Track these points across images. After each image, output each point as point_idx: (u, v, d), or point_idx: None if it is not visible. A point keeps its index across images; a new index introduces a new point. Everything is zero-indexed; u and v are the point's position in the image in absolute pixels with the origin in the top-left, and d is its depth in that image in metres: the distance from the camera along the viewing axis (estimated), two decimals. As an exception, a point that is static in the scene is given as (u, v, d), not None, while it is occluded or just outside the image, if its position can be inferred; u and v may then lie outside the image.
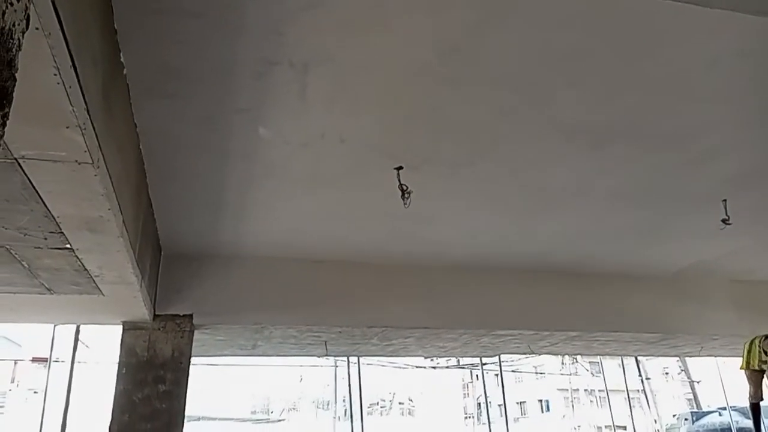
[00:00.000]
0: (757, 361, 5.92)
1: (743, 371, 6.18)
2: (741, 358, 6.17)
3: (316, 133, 3.90)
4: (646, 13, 2.93)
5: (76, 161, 2.50)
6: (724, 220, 5.25)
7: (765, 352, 5.91)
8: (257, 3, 2.73)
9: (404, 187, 4.37)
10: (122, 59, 2.99)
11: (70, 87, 2.05)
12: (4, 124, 1.27)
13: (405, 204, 4.41)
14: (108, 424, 5.30)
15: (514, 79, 3.43)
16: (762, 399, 6.12)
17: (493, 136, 4.07)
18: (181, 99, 3.41)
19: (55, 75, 1.95)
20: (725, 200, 5.21)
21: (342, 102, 3.58)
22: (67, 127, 2.25)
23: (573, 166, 4.59)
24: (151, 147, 3.89)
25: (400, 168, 4.38)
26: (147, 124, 3.63)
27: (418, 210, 4.73)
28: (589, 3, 2.84)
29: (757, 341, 6.03)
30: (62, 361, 9.89)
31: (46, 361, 10.07)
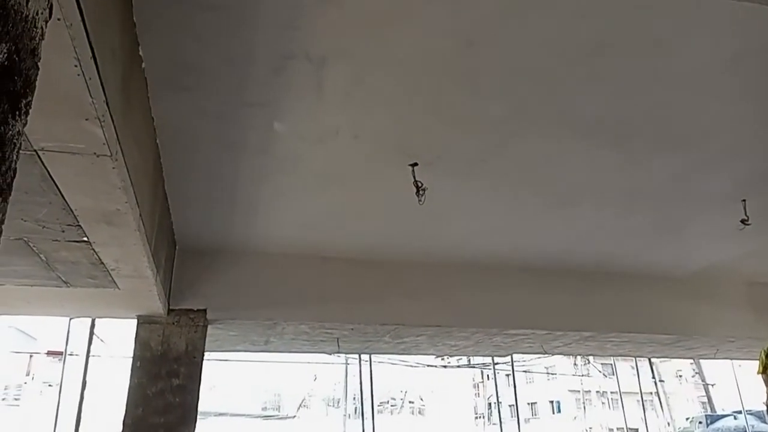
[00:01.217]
0: None
1: (760, 375, 6.09)
2: (758, 362, 6.08)
3: (331, 128, 3.90)
4: (666, 7, 2.89)
5: (95, 153, 2.51)
6: (743, 221, 5.17)
7: None
8: (274, -4, 2.73)
9: (419, 184, 4.35)
10: (141, 53, 3.00)
11: (90, 79, 2.06)
12: (27, 113, 1.27)
13: (420, 201, 4.39)
14: (122, 417, 5.34)
15: (532, 73, 3.40)
16: (779, 403, 6.02)
17: (509, 131, 4.04)
18: (197, 92, 3.42)
19: (76, 66, 1.95)
20: (744, 200, 5.14)
21: (358, 97, 3.57)
22: (87, 119, 2.26)
23: (590, 164, 4.55)
24: (168, 140, 3.91)
25: (415, 165, 4.36)
26: (164, 118, 3.64)
27: (432, 207, 4.70)
28: (609, -3, 2.80)
29: None
30: (77, 355, 10.00)
31: (61, 354, 10.18)
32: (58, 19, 1.72)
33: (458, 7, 2.86)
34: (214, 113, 3.64)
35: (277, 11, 2.82)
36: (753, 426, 12.93)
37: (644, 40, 3.13)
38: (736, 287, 7.35)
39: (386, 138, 4.07)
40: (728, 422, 14.34)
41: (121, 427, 5.32)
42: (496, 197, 5.09)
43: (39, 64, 1.32)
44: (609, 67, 3.37)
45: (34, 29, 1.27)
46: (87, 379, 7.20)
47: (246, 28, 2.93)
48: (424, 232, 5.83)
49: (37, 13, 1.29)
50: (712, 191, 5.07)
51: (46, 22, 1.37)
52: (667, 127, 4.05)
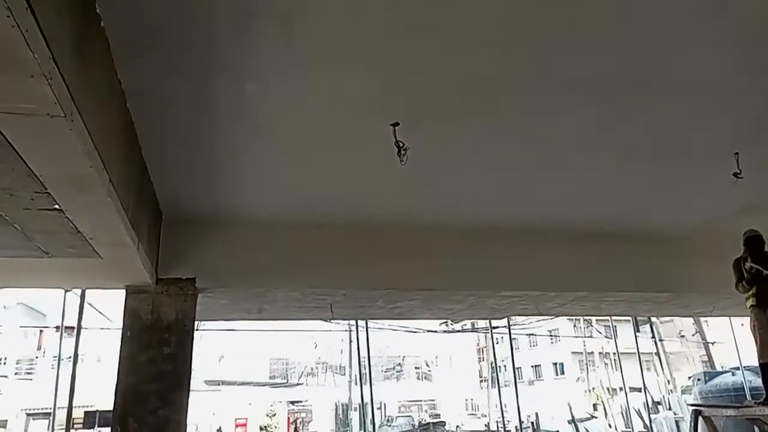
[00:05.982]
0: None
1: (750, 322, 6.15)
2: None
3: (303, 90, 3.78)
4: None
5: (48, 114, 2.42)
6: (735, 174, 5.06)
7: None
8: (232, -54, 2.60)
9: (400, 144, 4.25)
10: (98, 10, 2.89)
11: (27, 31, 1.96)
12: None
13: (402, 161, 4.29)
14: (114, 386, 5.37)
15: (510, 26, 3.27)
16: (771, 358, 6.01)
17: (489, 89, 3.92)
18: (163, 53, 3.31)
19: (8, 17, 1.86)
20: (737, 153, 5.02)
21: (330, 57, 3.45)
22: (32, 76, 2.17)
23: (577, 120, 4.43)
24: (139, 104, 3.80)
25: (396, 124, 4.25)
26: (131, 82, 3.53)
27: (417, 169, 4.62)
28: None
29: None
30: (87, 329, 10.03)
31: (72, 329, 10.23)
32: (-24, -35, 1.63)
33: (426, -46, 2.73)
34: (182, 76, 3.53)
35: (235, -38, 2.70)
36: (750, 381, 13.02)
37: (623, -16, 2.99)
38: (731, 244, 7.24)
39: (364, 98, 3.96)
40: (726, 378, 14.43)
41: (113, 395, 5.35)
42: (481, 157, 4.98)
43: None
44: (591, 16, 3.23)
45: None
46: (79, 351, 7.25)
47: (206, -19, 2.81)
48: (412, 195, 5.74)
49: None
50: (703, 145, 4.96)
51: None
52: (655, 78, 3.91)
